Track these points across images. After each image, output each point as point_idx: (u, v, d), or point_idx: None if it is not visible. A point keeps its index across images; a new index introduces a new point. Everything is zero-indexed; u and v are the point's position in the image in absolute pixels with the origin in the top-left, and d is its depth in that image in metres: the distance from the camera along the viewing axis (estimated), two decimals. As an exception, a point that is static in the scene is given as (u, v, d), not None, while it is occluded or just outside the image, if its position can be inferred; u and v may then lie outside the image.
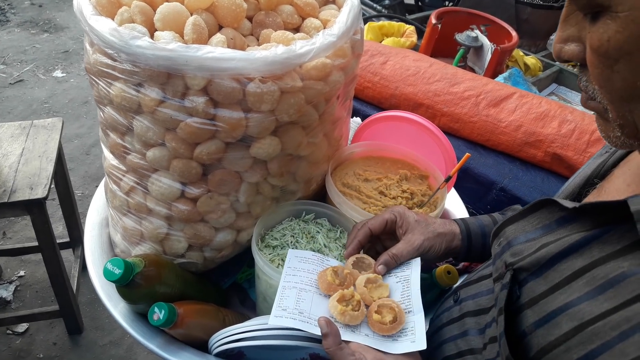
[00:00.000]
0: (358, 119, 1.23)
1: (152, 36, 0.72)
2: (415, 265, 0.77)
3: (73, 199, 1.98)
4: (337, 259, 0.85)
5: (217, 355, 0.77)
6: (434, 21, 1.81)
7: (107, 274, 0.71)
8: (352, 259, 0.78)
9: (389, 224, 0.80)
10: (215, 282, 0.97)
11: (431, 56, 1.68)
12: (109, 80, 0.75)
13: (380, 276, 0.76)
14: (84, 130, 3.09)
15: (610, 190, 0.53)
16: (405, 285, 0.75)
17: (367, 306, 0.71)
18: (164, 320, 0.70)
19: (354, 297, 0.70)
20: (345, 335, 0.66)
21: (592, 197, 0.58)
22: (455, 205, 1.11)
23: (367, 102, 1.49)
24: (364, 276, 0.74)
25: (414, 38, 1.95)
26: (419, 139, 1.04)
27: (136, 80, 0.71)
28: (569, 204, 0.51)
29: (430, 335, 0.73)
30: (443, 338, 0.69)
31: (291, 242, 0.87)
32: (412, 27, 2.02)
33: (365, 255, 0.79)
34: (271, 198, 0.89)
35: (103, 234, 0.96)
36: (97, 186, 2.59)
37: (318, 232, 0.90)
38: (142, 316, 0.80)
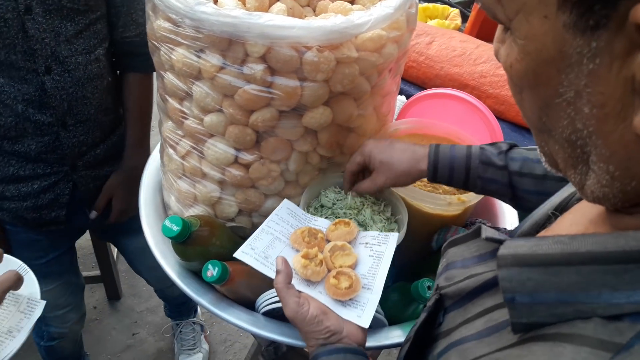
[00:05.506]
0: (403, 97, 1.24)
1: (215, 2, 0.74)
2: (392, 241, 0.79)
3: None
4: (380, 231, 0.86)
5: (264, 314, 0.80)
6: (479, 4, 1.78)
7: (166, 230, 0.74)
8: (332, 226, 0.81)
9: (362, 165, 0.86)
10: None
11: (476, 39, 1.66)
12: (171, 46, 0.78)
13: (349, 246, 0.78)
14: (125, 105, 3.17)
15: (555, 228, 0.46)
16: (376, 262, 0.77)
17: (329, 270, 0.74)
18: (217, 277, 0.73)
19: (317, 256, 0.74)
20: (301, 287, 0.71)
21: (545, 232, 0.50)
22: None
23: (411, 82, 1.49)
24: (332, 243, 0.78)
25: (458, 21, 1.93)
26: (466, 117, 1.04)
27: (198, 46, 0.74)
28: (490, 235, 0.47)
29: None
30: None
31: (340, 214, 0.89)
32: (456, 10, 1.99)
33: (351, 221, 0.82)
34: (319, 168, 0.91)
35: (157, 197, 1.00)
36: (137, 160, 2.67)
37: (363, 203, 0.92)
38: (194, 274, 0.84)
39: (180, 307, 1.82)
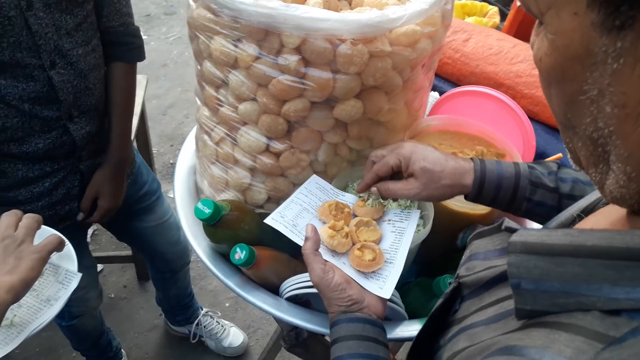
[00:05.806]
0: (436, 94, 1.24)
1: (254, -6, 0.76)
2: (414, 217, 0.81)
3: (151, 154, 2.11)
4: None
5: (287, 299, 0.82)
6: (518, 3, 1.75)
7: (198, 212, 0.77)
8: (360, 202, 0.84)
9: (396, 169, 0.78)
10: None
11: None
12: (210, 35, 0.80)
13: (374, 222, 0.80)
14: (162, 91, 3.24)
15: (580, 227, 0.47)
16: (398, 237, 0.79)
17: (353, 243, 0.76)
18: (244, 260, 0.76)
19: (343, 229, 0.76)
20: (326, 256, 0.73)
21: None
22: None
23: (445, 79, 1.48)
24: (358, 218, 0.80)
25: (497, 19, 1.90)
26: (499, 117, 1.04)
27: (236, 35, 0.76)
28: (510, 224, 0.50)
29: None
30: None
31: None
32: (495, 8, 1.96)
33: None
34: (347, 160, 0.93)
35: (190, 180, 1.04)
36: (171, 145, 2.74)
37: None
38: (222, 257, 0.87)
39: (190, 301, 1.85)
